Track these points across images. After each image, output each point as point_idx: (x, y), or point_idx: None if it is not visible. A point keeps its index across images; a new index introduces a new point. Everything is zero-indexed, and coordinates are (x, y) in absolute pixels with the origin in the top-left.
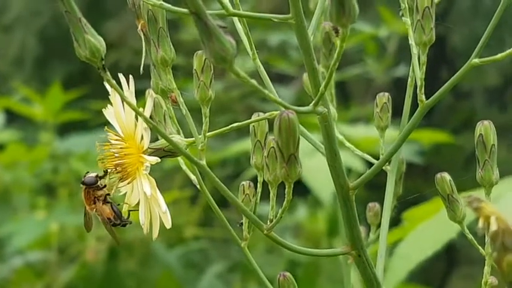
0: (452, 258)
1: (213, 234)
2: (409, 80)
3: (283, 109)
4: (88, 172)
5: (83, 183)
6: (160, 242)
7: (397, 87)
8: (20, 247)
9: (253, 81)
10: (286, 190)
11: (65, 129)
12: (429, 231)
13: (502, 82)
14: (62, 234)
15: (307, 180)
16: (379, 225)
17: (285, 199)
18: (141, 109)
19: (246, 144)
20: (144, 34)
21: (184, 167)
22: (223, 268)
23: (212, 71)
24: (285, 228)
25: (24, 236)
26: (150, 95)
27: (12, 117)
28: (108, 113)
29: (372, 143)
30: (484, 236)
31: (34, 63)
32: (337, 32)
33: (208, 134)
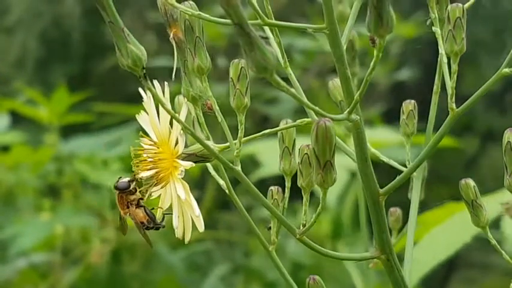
0: (452, 262)
1: (217, 236)
2: (435, 87)
3: (315, 116)
4: (121, 177)
5: (116, 188)
6: (163, 244)
7: (400, 91)
8: (25, 249)
9: (293, 90)
10: (320, 196)
11: (66, 131)
12: (442, 236)
13: (502, 86)
14: (66, 236)
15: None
16: (399, 230)
17: (320, 204)
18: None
19: (250, 148)
20: (176, 42)
21: (213, 172)
22: (227, 270)
23: (248, 79)
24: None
25: (29, 238)
26: (185, 101)
27: (15, 119)
28: (142, 119)
29: (375, 146)
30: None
31: (35, 65)
32: (373, 42)
33: (243, 139)
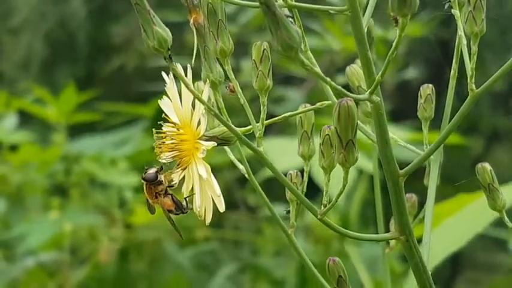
0: (457, 262)
1: (224, 235)
2: (452, 72)
3: (339, 99)
4: (148, 168)
5: (144, 180)
6: (171, 243)
7: (405, 90)
8: (33, 247)
9: (317, 69)
10: (343, 176)
11: (73, 131)
12: (454, 227)
13: (507, 87)
14: (74, 235)
15: (319, 180)
16: (415, 216)
17: (342, 184)
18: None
19: None
20: (196, 28)
21: (232, 157)
22: (234, 269)
23: (270, 61)
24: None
25: (37, 237)
26: (207, 83)
27: (23, 119)
28: (163, 103)
29: None
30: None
31: (40, 66)
32: (396, 21)
33: (265, 122)
